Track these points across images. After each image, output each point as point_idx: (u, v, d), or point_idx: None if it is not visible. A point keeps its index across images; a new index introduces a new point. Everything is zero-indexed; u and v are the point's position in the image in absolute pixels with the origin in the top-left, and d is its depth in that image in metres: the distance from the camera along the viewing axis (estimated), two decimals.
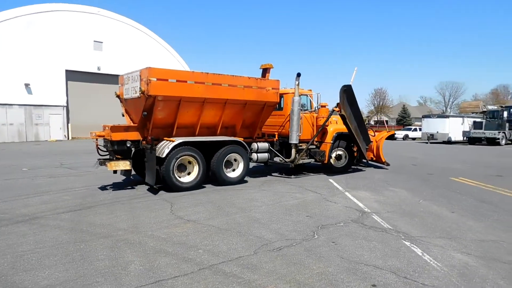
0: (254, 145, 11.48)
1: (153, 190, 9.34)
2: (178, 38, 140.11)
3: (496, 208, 7.55)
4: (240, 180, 10.53)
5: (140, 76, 9.15)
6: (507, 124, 30.53)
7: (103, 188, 9.69)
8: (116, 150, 9.48)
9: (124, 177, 11.14)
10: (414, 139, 42.12)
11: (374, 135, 14.37)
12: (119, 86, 10.57)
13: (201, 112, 10.00)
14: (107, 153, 9.79)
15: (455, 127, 33.38)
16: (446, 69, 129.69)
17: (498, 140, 29.63)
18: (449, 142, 33.06)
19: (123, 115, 10.73)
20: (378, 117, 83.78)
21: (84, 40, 35.66)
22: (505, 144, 29.95)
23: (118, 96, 10.63)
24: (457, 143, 32.84)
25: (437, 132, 33.87)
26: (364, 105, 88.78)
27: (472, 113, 36.98)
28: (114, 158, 9.53)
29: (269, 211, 7.18)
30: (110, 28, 37.48)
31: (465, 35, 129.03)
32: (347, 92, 11.94)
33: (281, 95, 12.20)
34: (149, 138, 9.39)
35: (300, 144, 12.09)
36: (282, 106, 12.50)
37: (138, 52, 39.23)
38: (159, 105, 9.24)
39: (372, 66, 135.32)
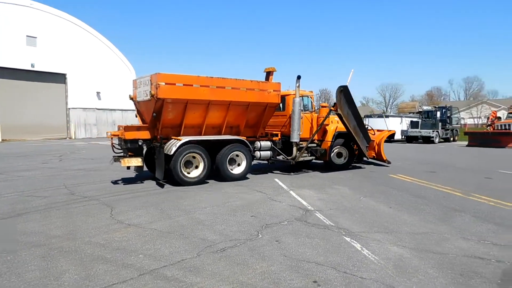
0: (257, 144, 12.13)
1: (161, 185, 10.26)
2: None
3: (429, 202, 8.01)
4: (243, 177, 11.29)
5: (150, 80, 9.99)
6: (440, 124, 32.61)
7: (34, 195, 9.08)
8: (129, 148, 10.41)
9: (55, 180, 10.55)
10: None
11: (374, 134, 15.11)
12: (133, 89, 11.35)
13: (207, 113, 10.78)
14: (121, 150, 10.84)
15: (394, 126, 35.14)
16: (387, 71, 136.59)
17: (432, 139, 31.57)
18: (388, 140, 34.72)
19: (136, 116, 11.70)
20: None
21: (15, 34, 33.26)
22: (439, 142, 31.99)
23: (132, 99, 11.39)
24: (396, 142, 34.61)
25: (378, 130, 35.47)
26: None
27: (410, 113, 39.19)
28: (127, 155, 10.50)
29: (214, 212, 7.11)
30: (45, 22, 35.23)
31: (404, 39, 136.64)
32: (343, 92, 12.55)
33: (283, 97, 12.83)
34: (158, 137, 10.31)
35: (300, 143, 12.74)
36: (284, 107, 13.13)
37: (77, 49, 37.37)
38: (168, 107, 10.07)
39: (319, 67, 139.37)
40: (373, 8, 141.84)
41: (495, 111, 39.61)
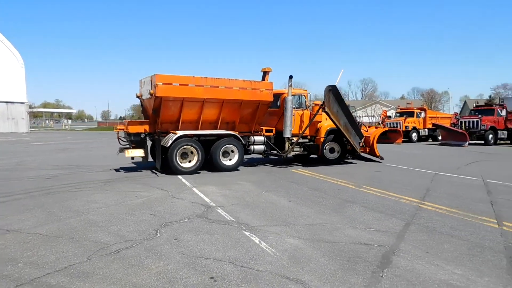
0: (251, 138, 13.03)
1: (156, 173, 11.44)
2: None
3: (325, 195, 8.52)
4: (235, 168, 12.37)
5: (151, 80, 11.15)
6: None
7: None
8: (133, 140, 11.78)
9: None
10: None
11: (367, 131, 16.02)
12: (139, 88, 12.54)
13: (202, 110, 11.85)
14: (127, 143, 12.22)
15: None
16: (292, 70, 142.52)
17: None
18: None
19: (142, 112, 13.00)
20: None
21: None
22: None
23: (138, 97, 12.48)
24: None
25: None
26: None
27: None
28: (131, 147, 11.82)
29: (109, 212, 6.70)
30: None
31: (307, 39, 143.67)
32: (332, 92, 13.09)
33: (278, 95, 13.84)
34: (157, 131, 11.57)
35: (292, 138, 13.54)
36: (279, 104, 13.91)
37: None
38: (165, 105, 11.24)
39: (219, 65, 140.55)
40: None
41: (386, 110, 43.67)
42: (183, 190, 8.90)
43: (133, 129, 11.85)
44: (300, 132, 13.71)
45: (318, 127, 14.38)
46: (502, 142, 28.70)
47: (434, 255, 4.76)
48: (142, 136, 11.88)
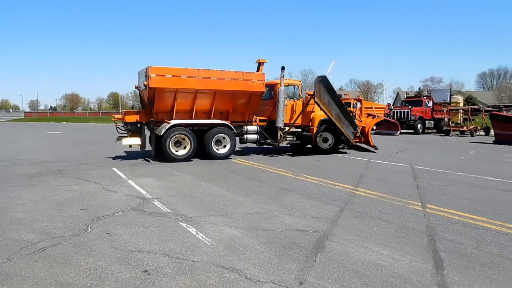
0: (245, 128, 13.46)
1: (148, 160, 12.21)
2: None
3: (263, 184, 8.61)
4: (227, 156, 12.83)
5: (145, 72, 11.67)
6: None
7: None
8: (130, 129, 12.44)
9: None
10: None
11: (361, 121, 16.25)
12: (137, 80, 12.95)
13: (195, 100, 12.31)
14: (125, 131, 12.62)
15: None
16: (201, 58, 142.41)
17: None
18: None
19: (140, 103, 13.80)
20: None
21: None
22: None
23: (136, 88, 13.06)
24: None
25: None
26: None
27: None
28: (128, 135, 12.40)
29: (35, 209, 6.26)
30: None
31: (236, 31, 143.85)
32: (322, 82, 13.38)
33: (272, 86, 14.30)
34: (151, 120, 12.22)
35: (284, 128, 13.88)
36: (272, 95, 14.24)
37: None
38: (159, 95, 11.73)
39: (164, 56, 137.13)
40: None
41: None
42: (118, 182, 8.55)
43: (130, 118, 12.54)
44: (291, 122, 14.03)
45: (311, 117, 14.61)
46: (429, 131, 30.84)
47: (364, 238, 4.99)
48: (139, 125, 12.61)
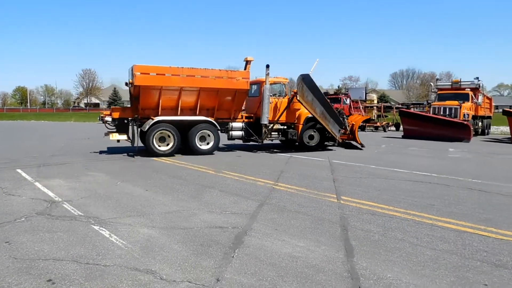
0: (230, 124, 13.82)
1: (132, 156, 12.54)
2: None
3: (184, 182, 8.44)
4: (210, 152, 13.29)
5: (131, 70, 12.06)
6: None
7: None
8: (117, 125, 12.82)
9: None
10: None
11: (347, 119, 16.33)
12: (128, 77, 12.81)
13: (180, 98, 12.74)
14: (114, 127, 12.95)
15: None
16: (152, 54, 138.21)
17: None
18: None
19: (130, 99, 13.60)
20: (88, 99, 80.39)
21: None
22: None
23: (126, 85, 12.96)
24: None
25: None
26: (72, 86, 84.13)
27: None
28: (115, 131, 12.80)
29: None
30: None
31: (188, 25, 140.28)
32: (304, 81, 13.54)
33: (259, 83, 14.53)
34: (135, 116, 12.61)
35: (269, 125, 14.12)
36: (259, 92, 14.36)
37: None
38: (144, 92, 12.18)
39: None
40: None
41: None
42: (22, 185, 7.81)
43: (116, 114, 12.92)
44: (275, 119, 14.24)
45: (297, 114, 14.78)
46: None
47: (282, 232, 5.10)
48: (126, 121, 12.96)
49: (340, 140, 15.50)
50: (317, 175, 9.50)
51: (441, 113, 23.01)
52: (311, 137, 15.10)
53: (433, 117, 22.04)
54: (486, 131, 27.85)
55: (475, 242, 4.75)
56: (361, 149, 15.79)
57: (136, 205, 6.42)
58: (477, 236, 5.00)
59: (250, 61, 14.30)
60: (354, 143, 16.54)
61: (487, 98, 30.65)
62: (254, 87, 15.10)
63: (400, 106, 38.83)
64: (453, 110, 22.98)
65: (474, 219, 5.78)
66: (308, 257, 4.22)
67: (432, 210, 6.23)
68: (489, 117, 29.77)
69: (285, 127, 15.02)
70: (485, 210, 6.33)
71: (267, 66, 13.92)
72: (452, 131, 20.49)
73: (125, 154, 13.12)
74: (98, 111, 71.54)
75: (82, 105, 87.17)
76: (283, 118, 14.65)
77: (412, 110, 31.15)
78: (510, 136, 22.35)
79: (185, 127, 12.86)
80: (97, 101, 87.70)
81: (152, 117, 12.44)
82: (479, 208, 6.42)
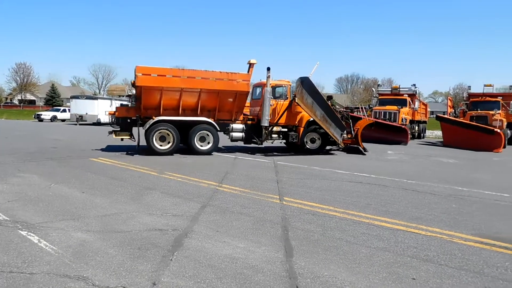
0: (230, 126, 13.96)
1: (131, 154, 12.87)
2: None
3: (124, 184, 8.13)
4: (209, 152, 13.49)
5: (134, 71, 12.59)
6: None
7: None
8: (120, 123, 13.62)
9: None
10: (63, 120, 40.68)
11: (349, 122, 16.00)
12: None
13: (181, 98, 13.03)
14: (118, 126, 13.80)
15: (104, 109, 34.44)
16: (99, 51, 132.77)
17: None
18: (98, 123, 33.85)
19: (134, 99, 14.58)
20: (22, 96, 75.45)
21: None
22: None
23: (132, 85, 13.68)
24: (106, 124, 34.14)
25: (86, 113, 33.95)
26: (4, 80, 78.79)
27: (119, 96, 39.34)
28: (119, 129, 13.62)
29: None
30: None
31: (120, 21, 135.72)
32: (304, 84, 13.56)
33: (262, 86, 14.41)
34: (137, 116, 13.14)
35: (269, 127, 14.13)
36: (261, 95, 14.38)
37: None
38: (145, 93, 12.62)
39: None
40: None
41: None
42: None
43: (120, 114, 13.57)
44: (275, 122, 14.24)
45: (299, 117, 14.69)
46: None
47: (224, 233, 5.05)
48: (129, 120, 13.39)
49: (343, 145, 15.25)
50: (262, 176, 9.56)
51: (382, 117, 24.08)
52: (312, 141, 15.06)
53: (375, 121, 23.03)
54: (422, 135, 29.59)
55: (407, 239, 5.00)
56: (364, 154, 15.65)
57: (70, 208, 6.07)
58: (409, 233, 5.27)
59: (253, 64, 14.18)
60: (361, 148, 16.01)
61: (423, 104, 32.60)
62: (258, 89, 15.16)
63: (343, 110, 39.96)
64: (392, 115, 24.17)
65: (407, 217, 6.09)
66: (248, 258, 4.21)
67: (369, 210, 6.48)
68: (425, 122, 31.67)
69: (286, 129, 15.00)
70: (417, 209, 6.70)
71: (268, 68, 13.99)
72: (392, 134, 21.55)
73: (58, 155, 12.43)
74: (33, 109, 67.31)
75: (15, 101, 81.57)
76: (282, 121, 14.64)
77: (355, 114, 32.27)
78: (442, 139, 23.93)
79: (185, 127, 13.17)
80: (32, 97, 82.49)
81: (153, 116, 12.85)
82: (412, 207, 6.78)
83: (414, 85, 28.48)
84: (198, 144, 13.36)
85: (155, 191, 7.49)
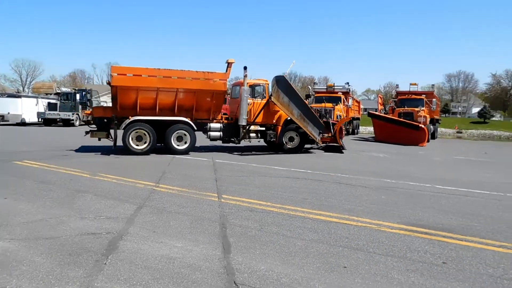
0: (208, 125, 13.88)
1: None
2: None
3: (53, 187, 7.65)
4: (186, 152, 13.44)
5: (109, 71, 13.12)
6: (80, 106, 32.55)
7: None
8: (97, 123, 13.61)
9: None
10: None
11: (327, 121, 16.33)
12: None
13: (157, 98, 13.08)
14: (95, 126, 13.77)
15: (29, 108, 32.15)
16: (22, 46, 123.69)
17: (72, 121, 31.14)
18: (23, 123, 31.52)
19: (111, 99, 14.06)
20: None
21: None
22: (79, 125, 31.94)
23: (108, 83, 13.34)
24: (32, 125, 31.92)
25: (9, 113, 31.41)
26: None
27: (46, 94, 36.98)
28: (96, 129, 13.60)
29: None
30: None
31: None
32: (279, 83, 13.55)
33: (240, 85, 14.58)
34: (112, 116, 13.16)
35: (246, 125, 14.21)
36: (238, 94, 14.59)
37: None
38: (121, 93, 12.81)
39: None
40: None
41: None
42: None
43: (97, 113, 13.67)
44: (252, 120, 14.26)
45: (278, 116, 14.74)
46: None
47: (160, 234, 4.96)
48: (105, 121, 13.31)
49: (321, 143, 15.44)
50: (200, 175, 9.51)
51: (318, 114, 24.86)
52: (291, 139, 15.08)
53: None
54: (355, 131, 31.08)
55: (339, 230, 5.25)
56: (342, 152, 15.86)
57: None
58: (342, 225, 5.54)
59: (231, 63, 14.12)
60: (340, 145, 16.26)
61: (356, 101, 34.24)
62: (237, 89, 14.98)
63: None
64: (328, 112, 25.07)
65: (340, 210, 6.39)
66: (186, 257, 4.18)
67: (305, 204, 6.70)
68: (358, 119, 33.31)
69: (264, 128, 14.92)
70: (349, 201, 7.05)
71: (245, 67, 14.18)
72: (328, 131, 22.37)
73: None
74: None
75: None
76: (260, 119, 14.67)
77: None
78: (374, 135, 25.32)
79: (161, 127, 13.16)
80: None
81: (130, 116, 12.80)
82: (345, 200, 7.12)
83: (348, 83, 29.82)
84: (175, 144, 13.36)
85: (88, 193, 7.15)
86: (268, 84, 15.08)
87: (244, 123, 14.20)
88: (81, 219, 5.52)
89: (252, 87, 14.80)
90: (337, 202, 6.94)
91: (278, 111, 14.71)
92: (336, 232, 5.19)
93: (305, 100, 14.75)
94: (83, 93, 34.67)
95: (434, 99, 27.20)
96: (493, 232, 5.42)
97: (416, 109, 24.73)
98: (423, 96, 27.24)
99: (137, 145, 12.99)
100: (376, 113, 27.83)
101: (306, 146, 15.89)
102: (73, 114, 31.27)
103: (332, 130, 16.18)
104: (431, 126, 26.33)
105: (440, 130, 35.95)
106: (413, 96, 27.28)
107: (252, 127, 14.74)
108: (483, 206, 7.06)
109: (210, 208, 6.27)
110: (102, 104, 36.30)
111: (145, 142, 13.05)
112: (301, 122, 14.11)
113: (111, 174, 9.10)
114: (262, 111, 14.47)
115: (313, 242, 4.74)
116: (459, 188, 8.70)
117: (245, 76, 14.18)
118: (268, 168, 10.74)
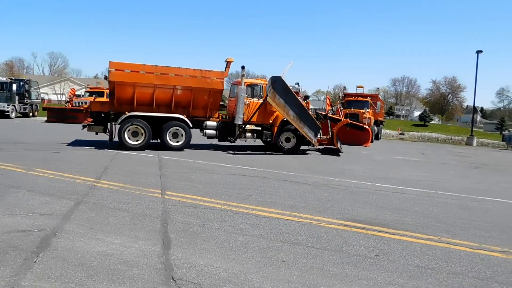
0: (204, 123, 14.00)
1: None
2: None
3: None
4: (181, 148, 13.58)
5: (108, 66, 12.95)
6: (17, 97, 30.57)
7: None
8: (95, 118, 13.67)
9: None
10: None
11: (324, 122, 16.33)
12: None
13: (154, 95, 13.27)
14: (92, 120, 13.84)
15: None
16: None
17: (8, 113, 29.17)
18: None
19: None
20: None
21: None
22: (15, 117, 30.01)
23: (106, 78, 13.58)
24: None
25: None
26: None
27: None
28: (93, 123, 13.67)
29: None
30: None
31: None
32: (275, 84, 13.54)
33: (237, 84, 14.49)
34: (109, 111, 13.25)
35: (242, 125, 14.11)
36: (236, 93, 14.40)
37: None
38: (118, 88, 12.96)
39: None
40: None
41: (74, 89, 41.20)
42: None
43: (95, 108, 13.68)
44: (248, 120, 14.13)
45: (275, 116, 14.63)
46: None
47: (98, 230, 4.80)
48: (102, 115, 13.43)
49: (317, 145, 15.29)
50: (145, 171, 9.29)
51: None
52: (287, 140, 14.97)
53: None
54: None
55: (280, 226, 5.36)
56: (339, 155, 15.74)
57: None
58: (283, 220, 5.65)
59: (230, 62, 14.04)
60: (338, 148, 16.01)
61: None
62: (235, 88, 14.66)
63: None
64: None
65: (283, 206, 6.51)
66: (123, 253, 4.07)
67: (249, 200, 6.77)
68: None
69: (260, 128, 14.72)
70: (293, 198, 7.21)
71: (243, 67, 14.17)
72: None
73: None
74: None
75: None
76: (255, 119, 14.49)
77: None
78: None
79: (157, 123, 13.22)
80: None
81: (126, 112, 12.91)
82: (288, 197, 7.27)
83: (298, 83, 30.35)
84: (170, 140, 13.41)
85: (20, 189, 6.73)
86: (266, 84, 15.00)
87: (240, 122, 14.14)
88: (10, 216, 5.19)
89: (250, 86, 14.81)
90: (281, 199, 7.07)
91: (275, 111, 14.69)
92: (278, 227, 5.29)
93: (302, 102, 14.86)
94: (21, 83, 32.55)
95: (378, 102, 28.41)
96: (423, 227, 5.79)
97: (361, 110, 25.72)
98: (368, 99, 28.38)
99: (132, 141, 13.02)
100: (324, 113, 28.60)
101: (303, 147, 15.99)
102: (8, 105, 29.25)
103: (330, 132, 16.22)
104: (375, 128, 27.47)
105: (384, 131, 37.61)
106: (359, 98, 28.35)
107: (248, 127, 14.69)
108: (416, 203, 7.51)
109: (152, 205, 6.15)
110: (42, 96, 34.32)
111: (140, 138, 13.09)
112: (297, 123, 14.17)
113: (48, 169, 8.64)
114: (259, 111, 14.46)
115: (254, 238, 4.80)
116: (396, 186, 9.19)
117: (243, 75, 14.27)
118: (215, 165, 10.72)
